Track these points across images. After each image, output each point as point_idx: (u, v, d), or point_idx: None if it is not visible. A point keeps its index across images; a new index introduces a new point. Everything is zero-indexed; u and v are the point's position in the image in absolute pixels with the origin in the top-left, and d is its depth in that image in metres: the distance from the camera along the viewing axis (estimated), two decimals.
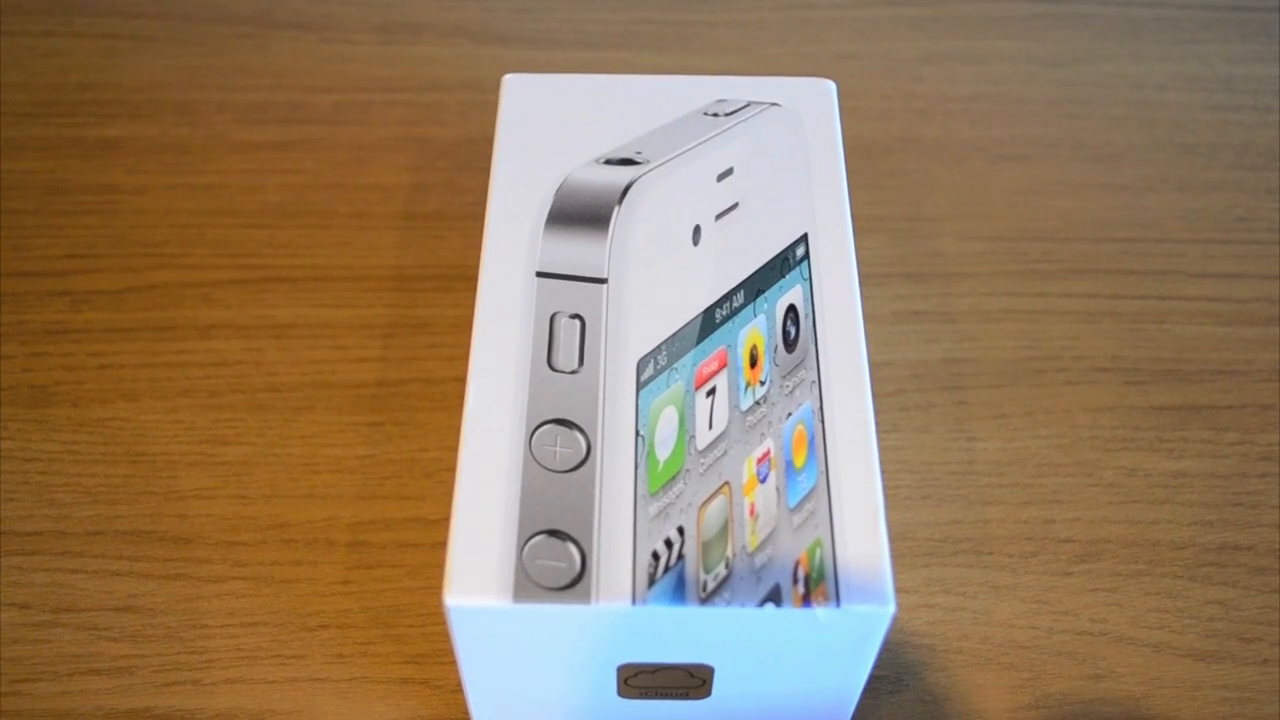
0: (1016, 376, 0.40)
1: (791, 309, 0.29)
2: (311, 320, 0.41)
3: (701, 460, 0.27)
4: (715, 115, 0.33)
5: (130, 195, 0.45)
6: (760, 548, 0.26)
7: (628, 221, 0.29)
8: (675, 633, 0.26)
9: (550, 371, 0.28)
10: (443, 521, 0.36)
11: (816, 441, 0.27)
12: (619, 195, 0.30)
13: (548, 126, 0.33)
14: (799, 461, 0.27)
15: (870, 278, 0.42)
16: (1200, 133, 0.47)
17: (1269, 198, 0.45)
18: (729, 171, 0.31)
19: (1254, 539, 0.36)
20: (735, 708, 0.29)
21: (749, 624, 0.26)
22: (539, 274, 0.29)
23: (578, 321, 0.28)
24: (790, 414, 0.28)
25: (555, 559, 0.26)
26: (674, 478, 0.27)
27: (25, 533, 0.36)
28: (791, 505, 0.27)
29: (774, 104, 0.33)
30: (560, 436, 0.27)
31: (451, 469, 0.37)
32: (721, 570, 0.26)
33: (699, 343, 0.28)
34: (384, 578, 0.35)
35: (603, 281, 0.29)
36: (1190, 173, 0.46)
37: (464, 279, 0.42)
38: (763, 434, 0.27)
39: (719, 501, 0.27)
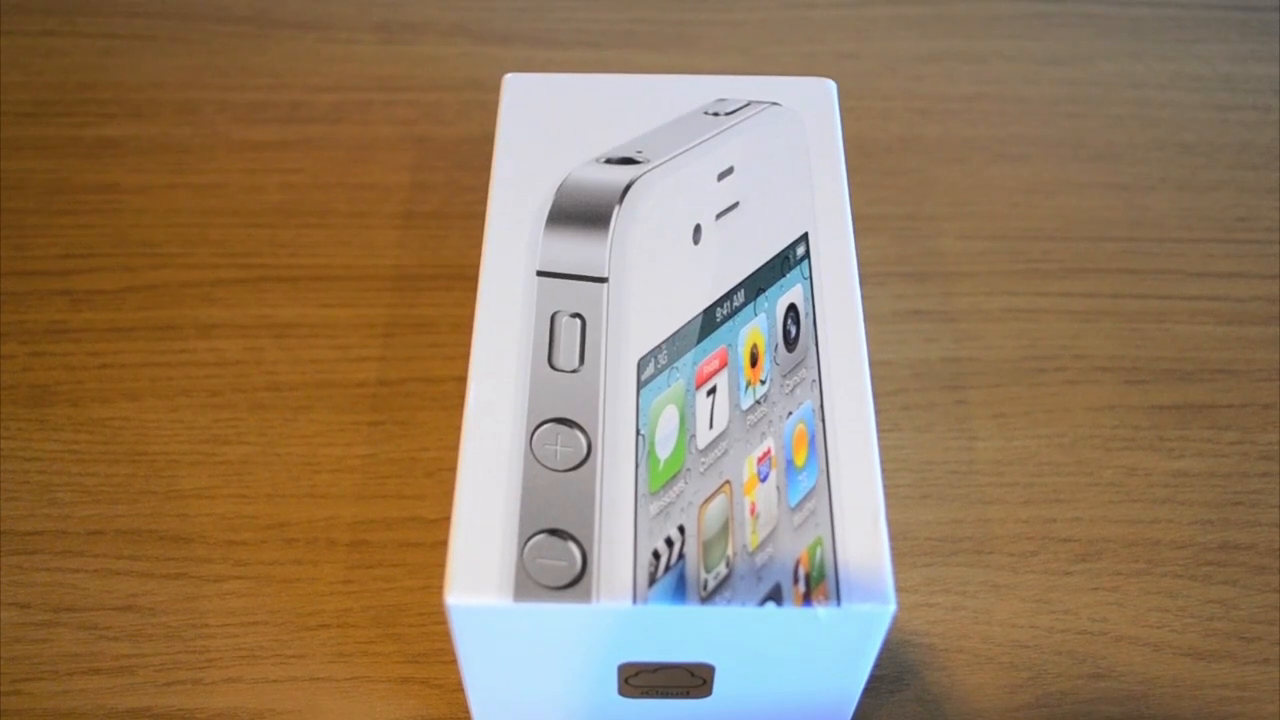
0: (1017, 376, 0.40)
1: (792, 308, 0.29)
2: (312, 320, 0.41)
3: (702, 459, 0.27)
4: (715, 114, 0.33)
5: (130, 195, 0.45)
6: (761, 547, 0.26)
7: (628, 221, 0.29)
8: (676, 632, 0.26)
9: (551, 370, 0.28)
10: (443, 521, 0.36)
11: (817, 440, 0.27)
12: (619, 194, 0.30)
13: (548, 126, 0.33)
14: (799, 460, 0.27)
15: (870, 277, 0.42)
16: (1200, 132, 0.47)
17: (1269, 197, 0.45)
18: (729, 171, 0.31)
19: (1254, 538, 0.36)
20: (736, 707, 0.29)
21: (750, 623, 0.26)
22: (539, 273, 0.29)
23: (578, 320, 0.28)
24: (791, 413, 0.28)
25: (556, 558, 0.26)
26: (675, 477, 0.27)
27: (25, 532, 0.36)
28: (792, 504, 0.27)
29: (774, 103, 0.33)
30: (561, 435, 0.27)
31: (452, 468, 0.37)
32: (722, 569, 0.26)
33: (699, 342, 0.28)
34: (384, 577, 0.35)
35: (603, 281, 0.29)
36: (1190, 172, 0.46)
37: (464, 278, 0.42)
38: (763, 433, 0.27)
39: (720, 500, 0.27)
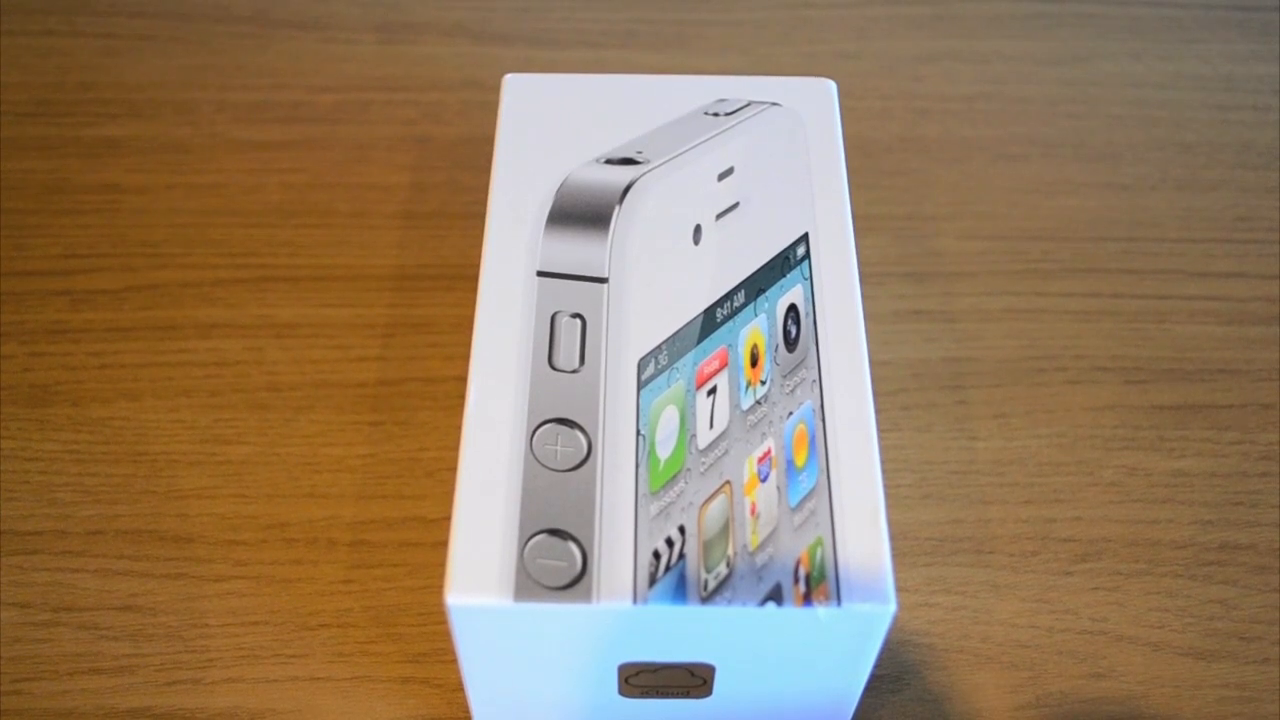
0: (1017, 376, 0.40)
1: (792, 308, 0.29)
2: (312, 320, 0.41)
3: (702, 459, 0.27)
4: (716, 115, 0.33)
5: (130, 195, 0.45)
6: (761, 547, 0.26)
7: (628, 221, 0.29)
8: (676, 632, 0.26)
9: (551, 371, 0.28)
10: (443, 520, 0.36)
11: (817, 440, 0.27)
12: (619, 195, 0.30)
13: (548, 126, 0.33)
14: (800, 461, 0.27)
15: (870, 277, 0.42)
16: (1200, 132, 0.47)
17: (1269, 197, 0.45)
18: (729, 171, 0.31)
19: (1254, 538, 0.36)
20: (736, 707, 0.29)
21: (750, 623, 0.26)
22: (540, 273, 0.29)
23: (578, 321, 0.28)
24: (791, 413, 0.28)
25: (556, 558, 0.26)
26: (675, 477, 0.27)
27: (26, 532, 0.36)
28: (792, 504, 0.27)
29: (774, 104, 0.33)
30: (561, 436, 0.27)
31: (452, 468, 0.37)
32: (722, 569, 0.26)
33: (700, 342, 0.28)
34: (384, 577, 0.35)
35: (603, 281, 0.29)
36: (1190, 172, 0.46)
37: (464, 278, 0.42)
38: (763, 433, 0.27)
39: (720, 501, 0.27)
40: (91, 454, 0.38)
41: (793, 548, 0.26)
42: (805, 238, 0.31)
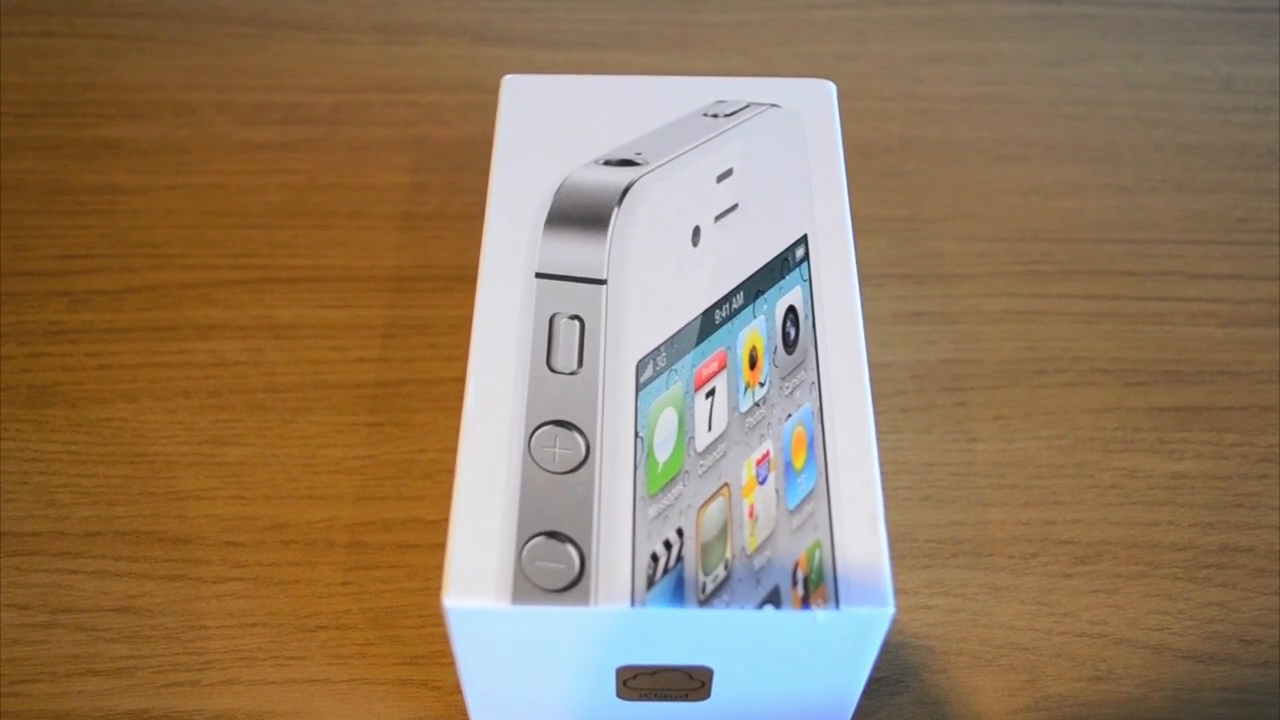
0: (1016, 377, 0.40)
1: (791, 310, 0.29)
2: (311, 320, 0.41)
3: (701, 462, 0.27)
4: (715, 116, 0.33)
5: (130, 195, 0.45)
6: (759, 549, 0.26)
7: (627, 222, 0.29)
8: (674, 635, 0.26)
9: (549, 372, 0.28)
10: (442, 522, 0.36)
11: (816, 443, 0.27)
12: (618, 196, 0.30)
13: (548, 127, 0.33)
14: (798, 463, 0.27)
15: (870, 278, 0.42)
16: (1200, 133, 0.47)
17: (1269, 198, 0.45)
18: (729, 172, 0.31)
19: (1254, 540, 0.36)
20: (734, 709, 0.29)
21: (748, 626, 0.26)
22: (538, 275, 0.29)
23: (577, 322, 0.28)
24: (790, 415, 0.28)
25: (554, 560, 0.25)
26: (673, 479, 0.27)
27: (24, 533, 0.36)
28: (791, 507, 0.27)
29: (774, 105, 0.33)
30: (559, 438, 0.27)
31: (451, 470, 0.37)
32: (721, 572, 0.26)
33: (698, 344, 0.28)
34: (383, 579, 0.35)
35: (602, 282, 0.29)
36: (1190, 173, 0.46)
37: (463, 279, 0.42)
38: (762, 435, 0.27)
39: (718, 503, 0.27)
40: (90, 455, 0.38)
41: (791, 550, 0.26)
42: (804, 239, 0.31)
